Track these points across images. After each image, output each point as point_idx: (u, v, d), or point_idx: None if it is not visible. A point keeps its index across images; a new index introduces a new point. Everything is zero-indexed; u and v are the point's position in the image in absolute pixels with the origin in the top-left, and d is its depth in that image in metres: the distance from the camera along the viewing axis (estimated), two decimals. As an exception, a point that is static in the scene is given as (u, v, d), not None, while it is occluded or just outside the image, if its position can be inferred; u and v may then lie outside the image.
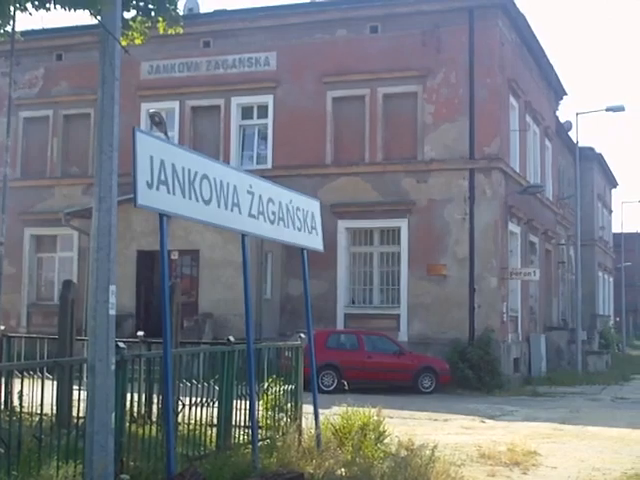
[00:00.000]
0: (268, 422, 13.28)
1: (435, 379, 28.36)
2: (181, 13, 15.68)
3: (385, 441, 13.69)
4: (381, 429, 13.66)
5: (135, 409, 10.87)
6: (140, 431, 10.70)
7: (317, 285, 29.53)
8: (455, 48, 31.82)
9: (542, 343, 36.77)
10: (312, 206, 14.16)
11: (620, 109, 39.94)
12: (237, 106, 34.52)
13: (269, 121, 34.09)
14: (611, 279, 73.32)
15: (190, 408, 11.82)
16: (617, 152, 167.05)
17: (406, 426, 17.69)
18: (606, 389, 32.40)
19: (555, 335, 41.09)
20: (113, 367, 9.28)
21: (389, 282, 32.40)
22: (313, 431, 13.31)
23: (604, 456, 15.82)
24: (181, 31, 15.69)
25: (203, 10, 37.77)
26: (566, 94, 45.63)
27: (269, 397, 13.35)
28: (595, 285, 62.17)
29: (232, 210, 11.36)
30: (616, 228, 74.36)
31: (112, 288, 9.27)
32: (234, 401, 12.52)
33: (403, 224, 31.96)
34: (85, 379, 9.65)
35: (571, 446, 17.13)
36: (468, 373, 29.04)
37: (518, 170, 34.79)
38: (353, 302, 32.79)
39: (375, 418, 13.72)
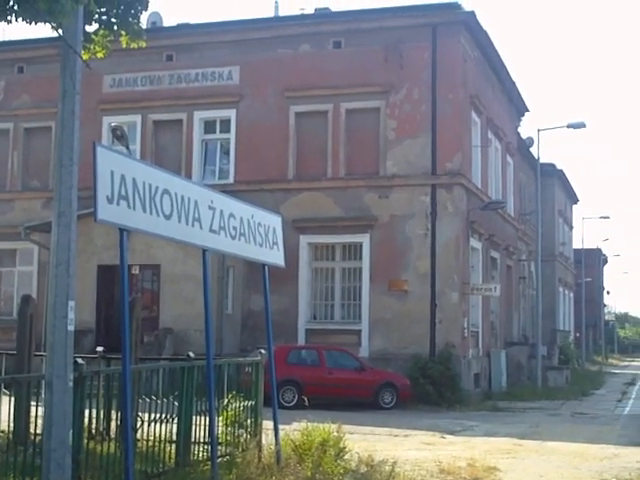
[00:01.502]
0: (228, 438, 13.23)
1: (396, 395, 28.36)
2: (144, 27, 15.58)
3: (345, 457, 13.66)
4: (341, 445, 13.63)
5: (94, 426, 10.79)
6: (98, 448, 10.62)
7: (278, 300, 29.45)
8: (418, 64, 31.95)
9: (502, 358, 36.93)
10: (273, 221, 14.15)
11: (581, 126, 40.28)
12: (199, 120, 34.46)
13: (231, 135, 34.04)
14: (571, 294, 73.81)
15: (149, 424, 11.75)
16: (578, 168, 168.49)
17: (366, 442, 17.68)
18: (566, 404, 32.58)
19: (515, 350, 41.29)
20: (71, 383, 9.21)
21: (350, 297, 32.41)
22: (273, 447, 13.28)
23: (563, 471, 15.90)
24: (144, 45, 15.62)
25: (166, 24, 37.63)
26: (528, 110, 45.95)
27: (229, 413, 13.30)
28: (556, 300, 62.59)
29: (193, 225, 11.32)
30: (577, 244, 74.91)
31: (71, 304, 9.21)
32: (194, 417, 12.46)
33: (365, 239, 32.00)
34: (43, 395, 9.56)
35: (530, 461, 17.20)
36: (429, 388, 29.06)
37: (480, 186, 34.97)
38: (314, 317, 32.76)
39: (335, 434, 13.70)
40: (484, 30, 33.88)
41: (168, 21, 39.09)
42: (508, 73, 39.61)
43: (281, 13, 37.95)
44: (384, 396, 28.29)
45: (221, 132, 34.53)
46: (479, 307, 34.89)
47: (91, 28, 14.49)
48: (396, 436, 20.91)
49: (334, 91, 32.53)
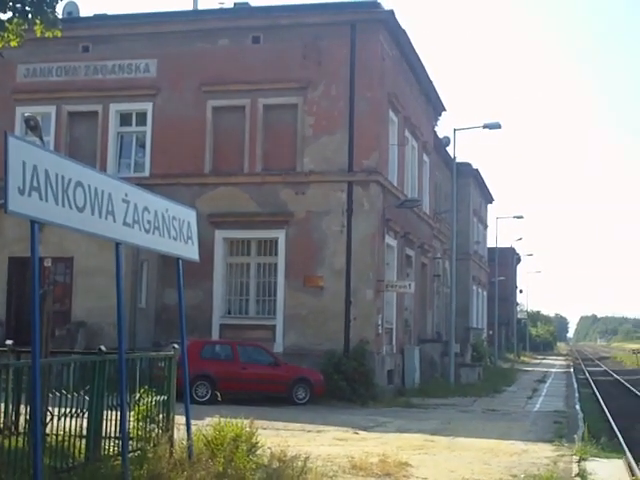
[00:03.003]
0: (139, 433, 13.09)
1: (310, 390, 28.43)
2: (60, 16, 15.37)
3: (257, 452, 13.64)
4: (254, 440, 13.60)
5: (2, 420, 10.60)
6: (6, 443, 10.43)
7: (193, 295, 29.35)
8: (336, 61, 32.03)
9: (416, 355, 37.21)
10: (188, 215, 14.05)
11: (496, 126, 40.72)
12: (115, 113, 34.11)
13: (148, 129, 33.77)
14: (485, 293, 74.75)
15: (59, 419, 11.59)
16: (493, 168, 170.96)
17: (279, 437, 17.66)
18: (477, 401, 32.98)
19: (429, 347, 41.66)
20: (-22, 377, 9.05)
21: (265, 293, 32.37)
22: (185, 442, 13.19)
23: (474, 467, 16.12)
24: (59, 34, 15.41)
25: (83, 14, 37.14)
26: (445, 110, 46.37)
27: (141, 408, 13.16)
28: (469, 298, 63.34)
29: (106, 218, 11.18)
30: (491, 243, 75.92)
31: (-21, 296, 9.05)
32: (105, 412, 12.33)
33: (281, 235, 31.99)
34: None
35: (442, 457, 17.40)
36: (342, 384, 29.16)
37: (396, 184, 35.18)
38: (229, 312, 32.65)
39: (248, 429, 13.66)
40: (403, 29, 34.06)
41: (85, 11, 38.52)
42: (426, 72, 39.88)
43: (200, 6, 37.74)
44: (298, 392, 28.34)
45: (137, 125, 34.23)
46: (393, 304, 35.12)
47: (5, 16, 14.27)
48: (309, 432, 20.96)
49: (252, 86, 32.45)
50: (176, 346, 14.15)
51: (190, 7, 37.82)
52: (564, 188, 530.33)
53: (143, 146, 34.02)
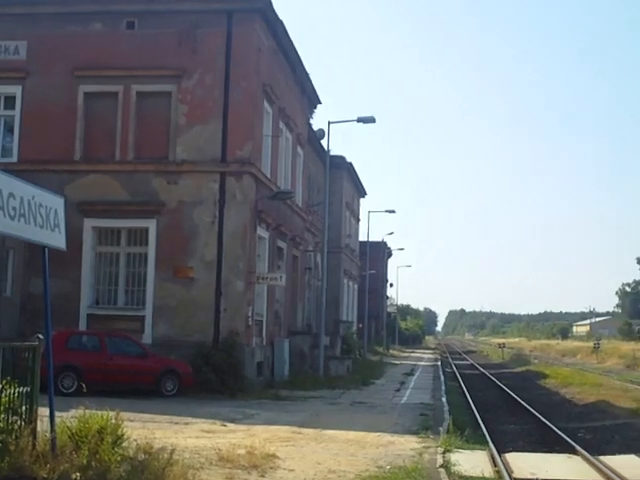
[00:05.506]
0: (0, 425, 12.76)
1: (178, 382, 28.24)
2: None
3: (123, 445, 13.42)
4: (119, 432, 13.38)
5: None
6: None
7: (60, 284, 28.79)
8: (212, 50, 31.82)
9: (286, 347, 37.26)
10: (56, 203, 13.74)
11: (371, 120, 40.90)
12: (-17, 95, 33.21)
13: (17, 113, 32.92)
14: (356, 286, 75.43)
15: None
16: (367, 163, 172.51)
17: (146, 429, 17.50)
18: (346, 393, 33.23)
19: (299, 340, 41.78)
20: None
21: (135, 283, 31.95)
22: (48, 435, 12.92)
23: (340, 459, 16.24)
24: None
25: (-50, -8, 36.04)
26: (320, 103, 46.48)
27: (2, 399, 12.82)
28: (340, 291, 63.81)
29: (-31, 203, 10.85)
30: (362, 236, 76.64)
31: None
32: (-36, 403, 11.98)
33: (151, 225, 31.63)
34: None
35: (309, 449, 17.48)
36: (211, 376, 29.02)
37: (269, 175, 35.14)
38: (97, 303, 32.14)
39: (113, 421, 13.45)
40: (280, 20, 33.99)
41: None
42: (302, 64, 39.89)
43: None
44: (166, 383, 28.13)
45: (5, 109, 33.35)
46: (264, 296, 35.08)
47: None
48: (176, 424, 20.84)
49: (125, 72, 31.99)
50: (40, 336, 13.83)
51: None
52: (436, 185, 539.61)
53: (11, 130, 33.16)
